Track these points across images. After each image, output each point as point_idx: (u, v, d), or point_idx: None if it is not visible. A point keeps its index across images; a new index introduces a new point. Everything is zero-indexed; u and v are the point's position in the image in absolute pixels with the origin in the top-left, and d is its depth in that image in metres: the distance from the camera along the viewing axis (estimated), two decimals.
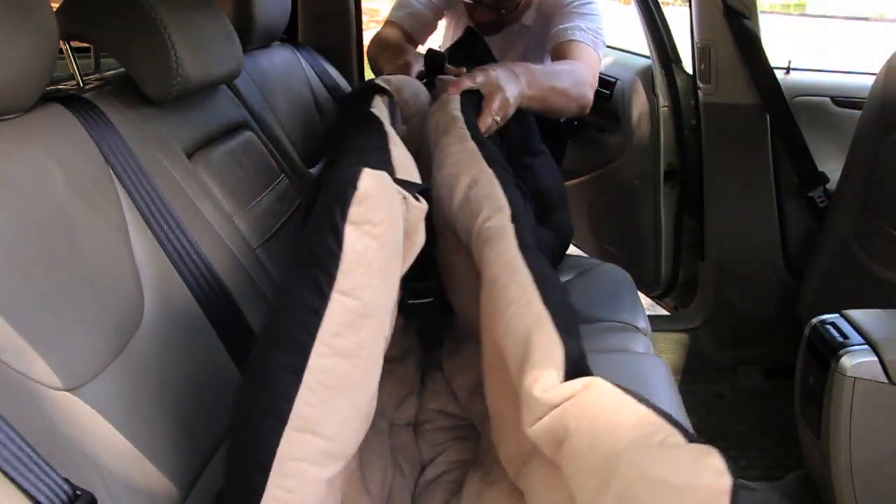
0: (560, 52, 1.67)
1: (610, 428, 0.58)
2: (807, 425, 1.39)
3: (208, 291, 0.94)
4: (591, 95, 1.61)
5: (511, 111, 1.34)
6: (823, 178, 1.88)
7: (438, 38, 2.06)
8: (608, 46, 1.90)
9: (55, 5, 0.88)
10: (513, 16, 1.81)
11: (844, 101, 1.94)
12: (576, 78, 1.56)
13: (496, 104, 1.27)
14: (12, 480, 0.53)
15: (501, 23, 1.81)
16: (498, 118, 1.28)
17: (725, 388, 2.07)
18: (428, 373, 1.17)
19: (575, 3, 1.73)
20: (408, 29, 1.80)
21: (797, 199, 1.94)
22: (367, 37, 1.99)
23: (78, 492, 0.57)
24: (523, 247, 0.82)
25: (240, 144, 1.31)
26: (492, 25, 1.81)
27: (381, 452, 0.97)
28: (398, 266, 0.72)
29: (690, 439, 0.54)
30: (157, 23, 0.92)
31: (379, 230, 0.64)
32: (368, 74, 2.04)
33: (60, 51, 0.85)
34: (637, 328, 1.47)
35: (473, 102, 1.25)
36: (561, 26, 1.70)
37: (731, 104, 1.91)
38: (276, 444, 0.61)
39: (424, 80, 1.47)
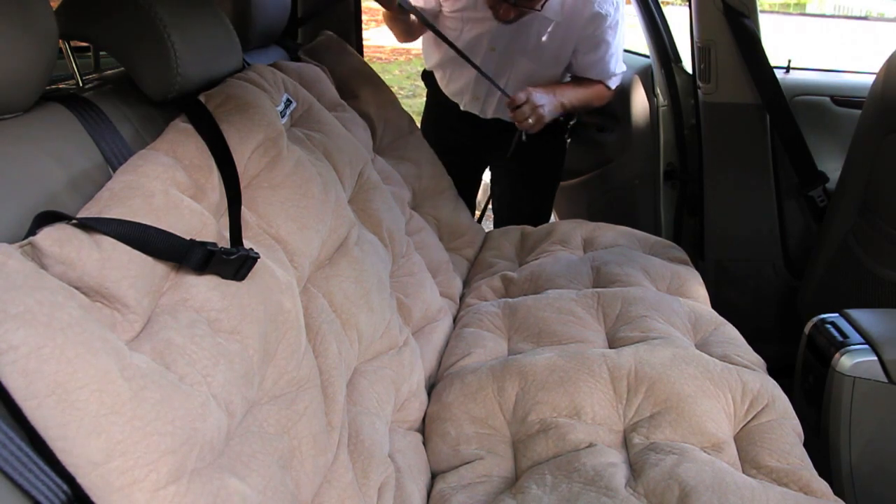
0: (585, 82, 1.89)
1: None
2: (806, 424, 1.39)
3: None
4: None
5: (547, 119, 1.78)
6: (823, 178, 1.88)
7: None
8: None
9: (55, 5, 0.88)
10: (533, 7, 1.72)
11: (844, 100, 1.94)
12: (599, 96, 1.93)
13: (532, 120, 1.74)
14: (12, 480, 0.53)
15: (523, 16, 1.72)
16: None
17: None
18: None
19: (602, 27, 1.77)
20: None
21: (797, 198, 1.94)
22: (367, 37, 1.99)
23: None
24: None
25: None
26: (514, 19, 1.72)
27: None
28: None
29: None
30: (156, 22, 0.92)
31: None
32: None
33: (60, 50, 0.85)
34: None
35: None
36: (587, 59, 1.84)
37: (731, 104, 1.91)
38: None
39: None
